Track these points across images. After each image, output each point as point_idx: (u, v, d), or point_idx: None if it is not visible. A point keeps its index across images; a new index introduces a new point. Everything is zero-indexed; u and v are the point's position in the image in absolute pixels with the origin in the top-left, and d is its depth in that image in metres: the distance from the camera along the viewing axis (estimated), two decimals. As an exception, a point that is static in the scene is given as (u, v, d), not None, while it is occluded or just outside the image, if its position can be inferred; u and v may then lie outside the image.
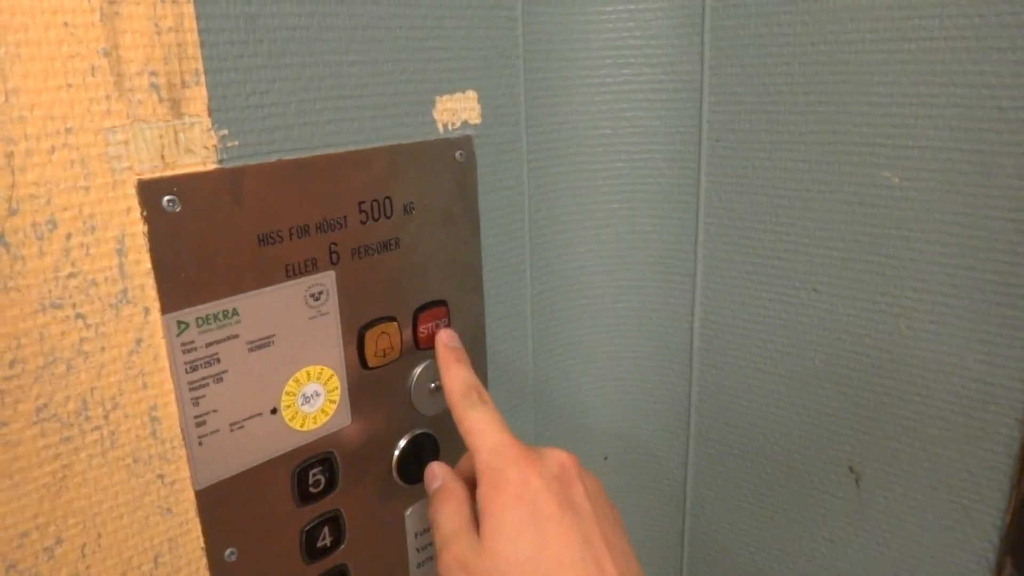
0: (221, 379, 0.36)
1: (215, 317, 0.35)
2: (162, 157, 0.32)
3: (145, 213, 0.32)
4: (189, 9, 0.32)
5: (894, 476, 0.47)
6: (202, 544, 0.37)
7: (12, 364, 0.30)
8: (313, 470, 0.40)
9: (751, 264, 0.50)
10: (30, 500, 0.31)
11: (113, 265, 0.32)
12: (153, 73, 0.31)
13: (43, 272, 0.30)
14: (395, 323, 0.42)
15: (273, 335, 0.37)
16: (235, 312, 0.35)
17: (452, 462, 0.42)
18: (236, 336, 0.36)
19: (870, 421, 0.47)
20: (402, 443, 0.44)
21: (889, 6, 0.41)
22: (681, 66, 0.50)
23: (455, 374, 0.39)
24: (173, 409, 0.35)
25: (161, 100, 0.32)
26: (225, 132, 0.34)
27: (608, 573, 0.33)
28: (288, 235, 0.37)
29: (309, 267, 0.38)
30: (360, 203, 0.39)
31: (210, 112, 0.33)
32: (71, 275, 0.31)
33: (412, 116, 0.41)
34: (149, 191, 0.32)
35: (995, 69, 0.39)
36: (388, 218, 0.41)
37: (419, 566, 0.47)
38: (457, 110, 0.44)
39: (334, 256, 0.39)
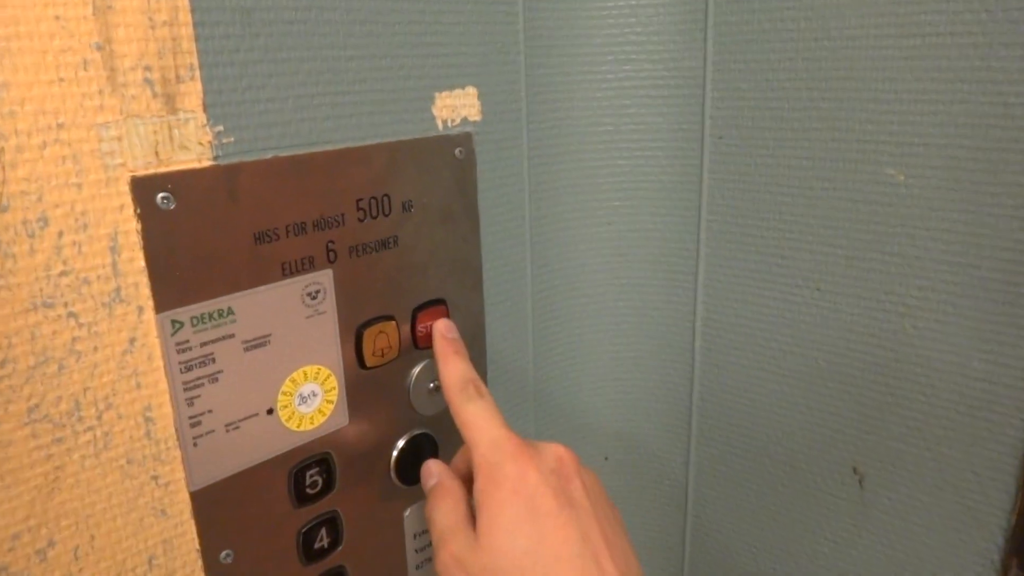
0: (216, 379, 0.35)
1: (210, 316, 0.34)
2: (156, 153, 0.32)
3: (139, 210, 0.31)
4: (184, 2, 0.31)
5: (898, 476, 0.47)
6: (197, 546, 0.36)
7: (3, 364, 0.29)
8: (310, 471, 0.39)
9: (754, 262, 0.50)
10: (21, 502, 0.31)
11: (106, 263, 0.31)
12: (147, 68, 0.31)
13: (34, 270, 0.29)
14: (393, 322, 0.41)
15: (269, 334, 0.37)
16: (230, 311, 0.35)
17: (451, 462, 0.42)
18: (231, 336, 0.35)
19: (874, 421, 0.47)
20: (400, 443, 0.44)
21: (894, 1, 0.41)
22: (683, 62, 0.49)
23: (452, 366, 0.39)
24: (168, 410, 0.34)
25: (155, 95, 0.31)
26: (220, 128, 0.33)
27: (606, 569, 0.32)
28: (284, 233, 0.36)
29: (306, 265, 0.37)
30: (358, 201, 0.39)
31: (205, 108, 0.33)
32: (63, 273, 0.30)
33: (411, 112, 0.41)
34: (143, 188, 0.31)
35: (1002, 65, 0.39)
36: (386, 216, 0.40)
37: (418, 567, 0.47)
38: (457, 106, 0.43)
39: (331, 254, 0.38)
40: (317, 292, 0.38)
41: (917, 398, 0.45)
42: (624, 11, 0.49)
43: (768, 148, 0.47)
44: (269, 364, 0.37)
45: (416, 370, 0.43)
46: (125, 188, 0.31)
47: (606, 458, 0.59)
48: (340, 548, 0.42)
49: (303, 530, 0.40)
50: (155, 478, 0.34)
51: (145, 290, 0.32)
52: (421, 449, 0.44)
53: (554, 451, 0.36)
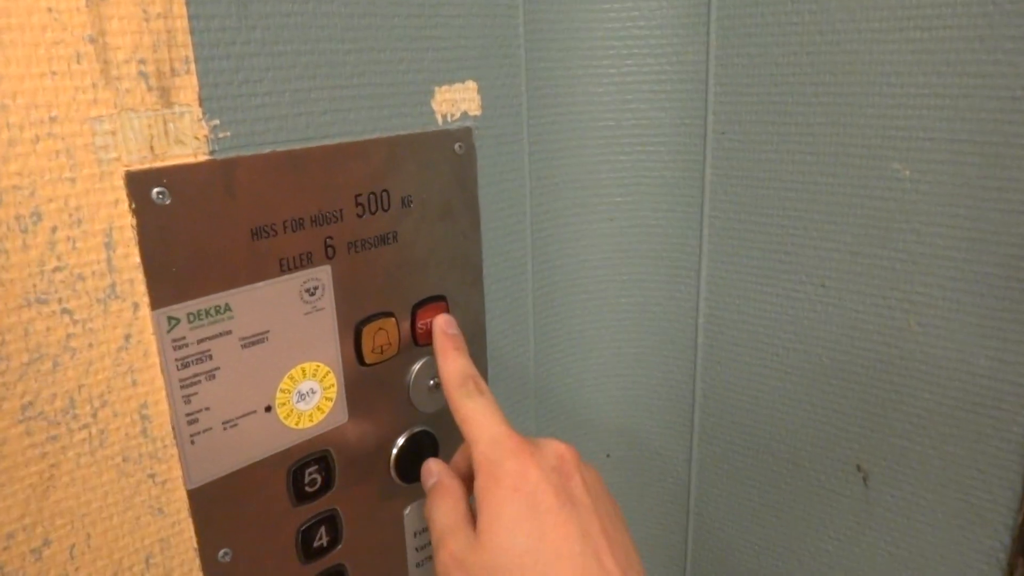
0: (213, 376, 0.35)
1: (207, 313, 0.34)
2: (151, 148, 0.31)
3: (134, 205, 0.31)
4: (178, -5, 0.31)
5: (903, 474, 0.46)
6: (195, 545, 0.36)
7: (-4, 361, 0.29)
8: (309, 469, 0.39)
9: (757, 258, 0.49)
10: (16, 500, 0.30)
11: (101, 259, 0.31)
12: (141, 61, 0.30)
13: (27, 266, 0.29)
14: (393, 319, 0.41)
15: (267, 331, 0.36)
16: (228, 307, 0.35)
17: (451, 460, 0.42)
18: (229, 332, 0.35)
19: (878, 418, 0.47)
20: (400, 441, 0.43)
21: (900, -7, 0.40)
22: (686, 56, 0.49)
23: (452, 362, 0.38)
24: (164, 407, 0.34)
25: (150, 89, 0.31)
26: (216, 122, 0.33)
27: (607, 566, 0.32)
28: (282, 228, 0.36)
29: (304, 261, 0.37)
30: (357, 196, 0.38)
31: (201, 101, 0.32)
32: (57, 269, 0.30)
33: (410, 107, 0.40)
34: (138, 183, 0.31)
35: (1008, 58, 0.38)
36: (385, 211, 0.40)
37: (418, 565, 0.46)
38: (456, 101, 0.43)
39: (330, 250, 0.38)
40: (315, 288, 0.38)
41: (922, 395, 0.45)
42: (626, 4, 0.48)
43: (771, 143, 0.47)
44: (267, 361, 0.36)
45: (416, 367, 0.43)
46: (120, 183, 0.31)
47: (608, 455, 0.58)
48: (339, 546, 0.41)
49: (302, 528, 0.40)
50: (152, 476, 0.34)
51: (140, 286, 0.32)
52: (421, 447, 0.44)
53: (555, 448, 0.35)
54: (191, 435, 0.35)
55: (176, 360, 0.33)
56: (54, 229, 0.29)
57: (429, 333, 0.42)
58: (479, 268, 0.46)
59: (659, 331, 0.55)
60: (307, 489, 0.39)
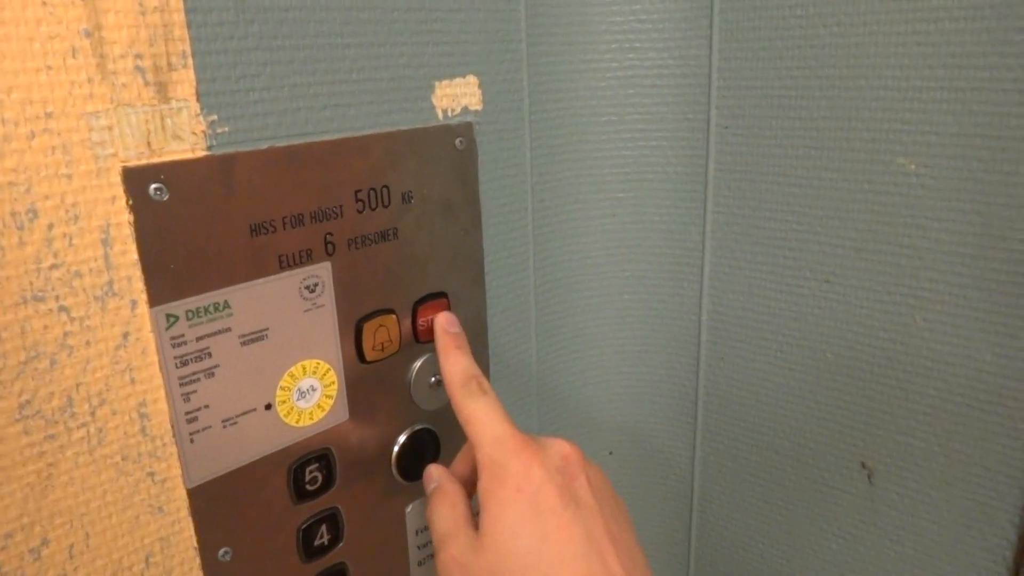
0: (213, 374, 0.34)
1: (206, 310, 0.34)
2: (148, 143, 0.31)
3: (131, 202, 0.31)
4: (175, -12, 0.30)
5: (908, 472, 0.46)
6: (195, 543, 0.36)
7: (-7, 359, 0.29)
8: (310, 467, 0.39)
9: (761, 254, 0.49)
10: (14, 500, 0.30)
11: (98, 256, 0.30)
12: (138, 55, 0.30)
13: (24, 263, 0.29)
14: (393, 316, 0.41)
15: (267, 328, 0.36)
16: (227, 305, 0.34)
17: (453, 458, 0.41)
18: (228, 329, 0.34)
19: (883, 415, 0.46)
20: (401, 439, 0.43)
21: (906, -15, 0.40)
22: (689, 50, 0.48)
23: (454, 361, 0.38)
24: (163, 405, 0.33)
25: (147, 84, 0.30)
26: (214, 117, 0.32)
27: (611, 568, 0.32)
28: (281, 225, 0.35)
29: (304, 258, 0.36)
30: (356, 192, 0.38)
31: (198, 96, 0.32)
32: (53, 266, 0.29)
33: (410, 102, 0.40)
34: (135, 179, 0.31)
35: (1015, 51, 0.38)
36: (386, 207, 0.39)
37: (420, 564, 0.46)
38: (457, 95, 0.42)
39: (330, 247, 0.37)
40: (315, 285, 0.37)
41: (927, 392, 0.44)
42: (628, -2, 0.48)
43: (775, 138, 0.46)
44: (267, 358, 0.36)
45: (417, 364, 0.43)
46: (117, 179, 0.30)
47: (611, 453, 0.58)
48: (341, 545, 0.41)
49: (303, 527, 0.39)
50: (151, 475, 0.34)
51: (138, 283, 0.32)
52: (422, 444, 0.44)
53: (559, 447, 0.35)
54: (190, 433, 0.34)
55: (175, 358, 0.33)
56: (50, 226, 0.29)
57: (430, 330, 0.42)
58: (480, 264, 0.46)
59: (662, 327, 0.54)
60: (308, 487, 0.39)
